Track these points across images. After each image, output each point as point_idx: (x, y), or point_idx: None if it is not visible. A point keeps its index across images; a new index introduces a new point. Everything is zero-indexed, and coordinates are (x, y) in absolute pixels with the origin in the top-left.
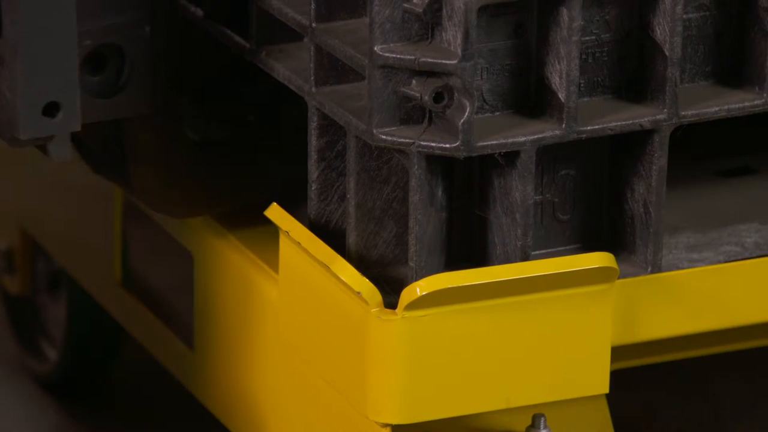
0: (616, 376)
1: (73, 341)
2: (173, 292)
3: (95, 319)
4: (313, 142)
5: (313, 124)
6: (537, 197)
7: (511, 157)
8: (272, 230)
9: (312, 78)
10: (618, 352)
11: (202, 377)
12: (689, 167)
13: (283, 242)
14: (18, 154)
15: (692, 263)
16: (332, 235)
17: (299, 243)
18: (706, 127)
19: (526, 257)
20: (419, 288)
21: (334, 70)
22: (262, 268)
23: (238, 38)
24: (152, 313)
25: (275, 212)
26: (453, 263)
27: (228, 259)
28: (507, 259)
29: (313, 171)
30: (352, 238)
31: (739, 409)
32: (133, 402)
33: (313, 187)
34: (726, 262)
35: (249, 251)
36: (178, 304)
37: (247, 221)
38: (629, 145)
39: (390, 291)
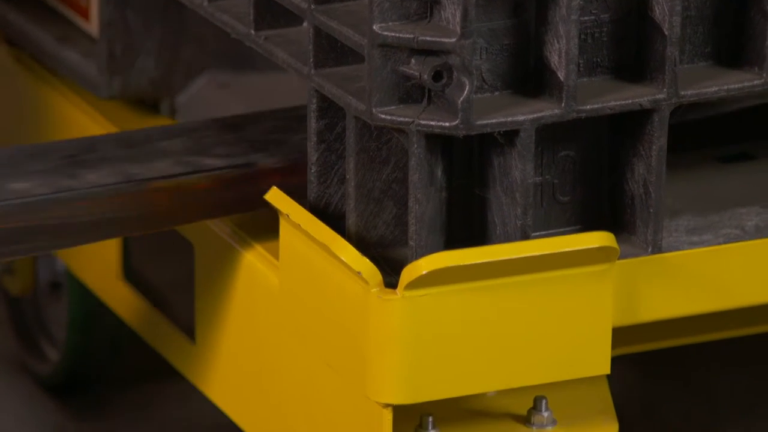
0: (616, 376)
1: (74, 341)
2: (174, 284)
3: (96, 319)
4: (313, 124)
5: (312, 106)
6: (537, 178)
7: (510, 136)
8: (272, 218)
9: (311, 60)
10: (617, 336)
11: (203, 368)
12: (689, 154)
13: (283, 226)
14: None
15: (692, 246)
16: (332, 218)
17: (299, 225)
18: (704, 118)
19: (526, 237)
20: (420, 267)
21: (333, 52)
22: (263, 255)
23: (239, 24)
24: (153, 305)
25: (275, 196)
26: (452, 243)
27: (228, 247)
28: (507, 239)
29: (313, 153)
30: (351, 219)
31: (739, 409)
32: (133, 402)
33: (312, 170)
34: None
35: (249, 239)
36: (179, 296)
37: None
38: (629, 126)
39: (390, 271)
